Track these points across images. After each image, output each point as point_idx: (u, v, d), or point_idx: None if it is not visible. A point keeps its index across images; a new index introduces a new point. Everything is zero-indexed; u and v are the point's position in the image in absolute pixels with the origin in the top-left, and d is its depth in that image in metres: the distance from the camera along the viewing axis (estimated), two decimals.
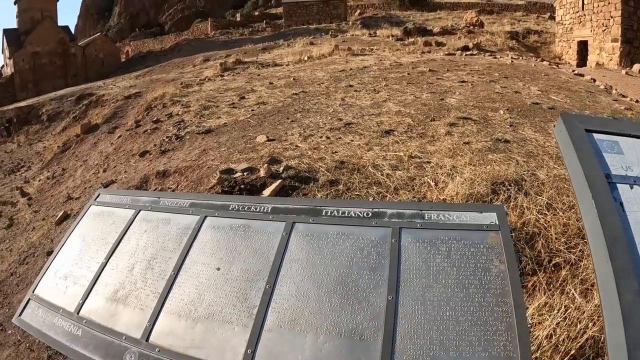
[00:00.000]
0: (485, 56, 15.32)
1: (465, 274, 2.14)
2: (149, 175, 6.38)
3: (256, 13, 62.44)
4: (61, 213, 7.08)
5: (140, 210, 3.34)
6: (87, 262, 3.24)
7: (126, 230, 3.23)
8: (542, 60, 16.80)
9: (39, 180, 11.61)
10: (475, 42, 18.64)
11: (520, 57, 16.50)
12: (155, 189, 5.88)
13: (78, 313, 2.93)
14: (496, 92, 8.17)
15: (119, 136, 10.95)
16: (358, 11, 48.66)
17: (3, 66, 60.22)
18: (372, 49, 18.18)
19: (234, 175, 5.18)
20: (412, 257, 2.28)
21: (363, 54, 16.76)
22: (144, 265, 2.90)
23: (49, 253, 5.78)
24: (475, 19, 27.38)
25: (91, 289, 3.01)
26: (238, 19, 58.44)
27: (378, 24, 35.86)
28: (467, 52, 16.36)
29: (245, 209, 2.94)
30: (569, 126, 2.20)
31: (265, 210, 2.88)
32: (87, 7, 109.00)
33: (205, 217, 2.98)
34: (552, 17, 34.43)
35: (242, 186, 4.86)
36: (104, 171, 8.64)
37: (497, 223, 2.30)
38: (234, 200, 3.07)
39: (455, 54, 15.74)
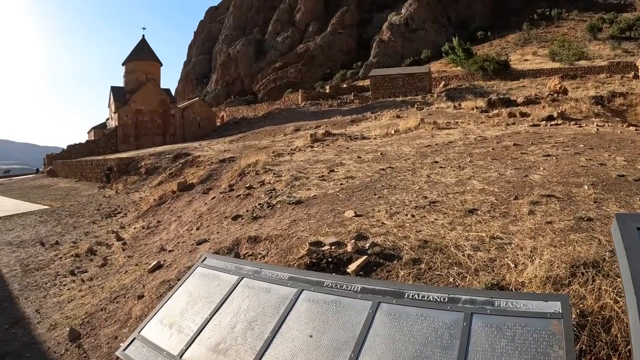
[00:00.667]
0: (570, 125, 15.00)
1: (526, 357, 2.36)
2: (241, 239, 6.80)
3: (344, 85, 64.38)
4: (155, 262, 7.64)
5: (243, 277, 3.82)
6: (192, 315, 3.70)
7: (230, 293, 3.69)
8: (629, 125, 16.12)
9: (134, 228, 12.48)
10: (559, 111, 18.28)
11: (606, 124, 15.93)
12: (247, 253, 6.28)
13: (181, 357, 3.34)
14: (581, 165, 8.04)
15: (213, 197, 11.67)
16: (442, 83, 49.22)
17: (108, 119, 65.39)
18: (456, 122, 18.27)
19: (322, 248, 5.42)
20: (480, 340, 2.55)
21: (448, 128, 16.86)
22: (244, 325, 3.32)
23: (140, 297, 6.29)
24: (559, 85, 26.92)
25: (194, 339, 3.44)
26: (327, 90, 60.42)
27: (462, 95, 36.19)
28: (552, 122, 16.05)
29: (338, 286, 3.32)
30: (622, 226, 2.42)
31: (355, 290, 3.25)
32: (187, 73, 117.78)
33: (302, 290, 3.38)
34: (637, 76, 33.30)
35: (330, 259, 5.09)
36: (197, 229, 9.25)
37: (560, 311, 2.53)
38: (328, 278, 3.46)
39: (539, 125, 15.53)
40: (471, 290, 3.41)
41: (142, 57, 60.03)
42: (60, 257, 10.82)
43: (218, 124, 64.57)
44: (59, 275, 9.38)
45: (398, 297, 3.04)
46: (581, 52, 50.77)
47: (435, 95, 39.36)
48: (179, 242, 8.84)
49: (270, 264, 5.13)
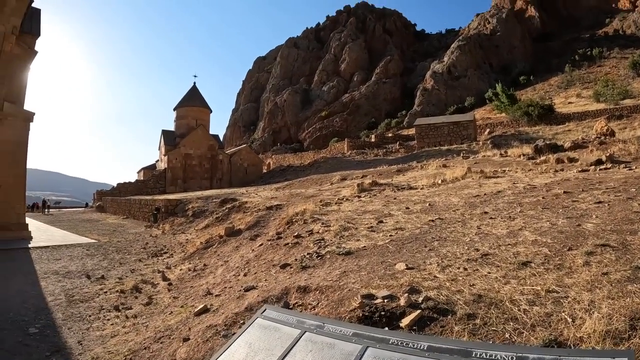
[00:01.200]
0: (620, 169, 14.40)
1: None
2: (290, 288, 6.72)
3: (389, 134, 64.99)
4: (201, 306, 7.60)
5: (305, 331, 3.74)
6: None
7: (292, 347, 3.60)
8: None
9: (180, 269, 12.54)
10: (607, 155, 17.64)
11: None
12: (296, 302, 6.19)
13: None
14: (634, 211, 7.69)
15: (260, 244, 11.67)
16: (487, 130, 49.15)
17: (158, 161, 67.56)
18: (504, 170, 17.90)
19: (375, 301, 5.30)
20: None
21: (495, 176, 16.55)
22: None
23: (185, 339, 6.21)
24: (605, 127, 26.13)
25: None
26: (372, 139, 61.14)
27: (508, 142, 35.97)
28: (601, 167, 15.51)
29: (404, 344, 3.20)
30: None
31: (421, 348, 3.13)
32: (236, 120, 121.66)
33: (367, 347, 3.27)
34: None
35: (382, 313, 4.97)
36: (245, 275, 9.21)
37: None
38: (394, 336, 3.35)
39: (588, 170, 15.02)
40: (537, 349, 3.29)
41: (193, 103, 63.02)
42: (105, 292, 10.94)
43: (264, 170, 65.91)
44: (103, 309, 9.46)
45: (465, 357, 2.93)
46: (625, 91, 50.22)
47: (480, 143, 39.31)
48: (225, 287, 8.80)
49: (332, 319, 5.01)
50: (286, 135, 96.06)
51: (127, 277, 12.54)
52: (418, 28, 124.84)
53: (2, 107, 22.24)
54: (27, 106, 24.14)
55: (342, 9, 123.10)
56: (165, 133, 63.38)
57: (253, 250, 11.45)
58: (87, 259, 15.91)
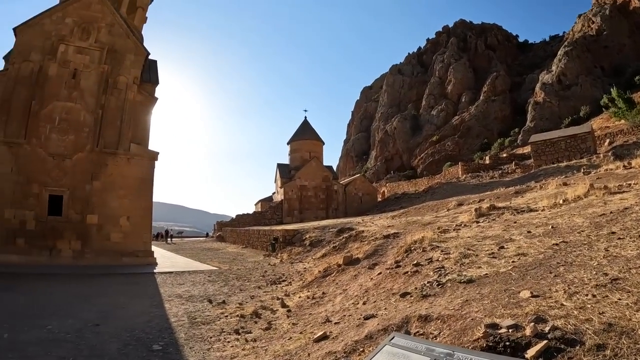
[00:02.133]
0: None
1: None
2: (410, 317, 6.57)
3: (503, 154, 62.45)
4: (320, 333, 7.62)
5: (435, 359, 3.59)
6: None
7: None
8: None
9: (299, 297, 12.74)
10: None
11: None
12: (417, 332, 6.03)
13: None
14: None
15: (379, 273, 11.57)
16: (607, 141, 45.13)
17: (274, 193, 69.96)
18: (629, 184, 16.27)
19: (499, 331, 5.08)
20: None
21: (621, 192, 15.10)
22: None
23: None
24: None
25: None
26: (486, 161, 59.08)
27: (630, 152, 32.98)
28: None
29: None
30: None
31: None
32: (348, 151, 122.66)
33: None
34: None
35: (507, 343, 4.74)
36: (364, 304, 9.14)
37: None
38: None
39: None
40: None
41: (306, 136, 64.99)
42: (226, 316, 11.34)
43: (379, 199, 65.90)
44: (224, 332, 9.79)
45: None
46: None
47: (601, 155, 36.49)
48: (344, 315, 8.78)
49: (461, 347, 4.84)
50: (399, 163, 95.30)
51: (247, 302, 12.95)
52: (520, 39, 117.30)
53: (129, 148, 25.08)
54: (152, 146, 27.12)
55: (440, 29, 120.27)
56: (280, 166, 65.92)
57: (372, 278, 11.37)
58: (209, 285, 16.66)
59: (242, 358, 7.83)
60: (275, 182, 68.27)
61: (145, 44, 29.06)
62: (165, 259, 28.12)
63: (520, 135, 70.80)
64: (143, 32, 32.13)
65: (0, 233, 22.34)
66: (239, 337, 9.29)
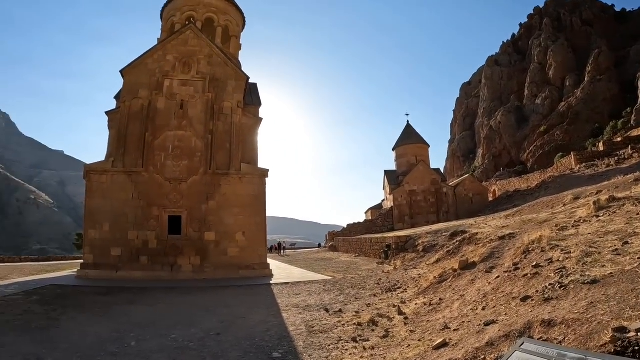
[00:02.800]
0: None
1: None
2: (533, 322, 6.39)
3: (618, 139, 57.91)
4: (440, 340, 7.58)
5: None
6: None
7: None
8: None
9: (415, 304, 12.68)
10: None
11: None
12: (540, 337, 5.86)
13: None
14: None
15: (497, 277, 11.27)
16: None
17: (384, 200, 70.03)
18: None
19: (627, 335, 4.85)
20: None
21: None
22: None
23: None
24: None
25: None
26: (600, 148, 55.33)
27: None
28: None
29: None
30: None
31: None
32: (453, 151, 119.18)
33: None
34: None
35: (637, 347, 4.54)
36: (483, 309, 8.96)
37: None
38: None
39: None
40: None
41: (410, 141, 64.96)
42: (343, 324, 11.54)
43: (490, 199, 64.15)
44: (342, 340, 9.98)
45: None
46: None
47: None
48: (463, 322, 8.66)
49: (595, 352, 4.68)
50: (507, 159, 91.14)
51: (363, 311, 13.10)
52: (617, 8, 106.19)
53: (240, 168, 26.70)
54: (261, 164, 28.83)
55: (532, 12, 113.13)
56: (387, 173, 66.09)
57: (489, 283, 11.10)
58: (324, 294, 17.01)
59: None
60: (384, 189, 68.47)
61: (243, 69, 30.92)
62: (280, 270, 29.05)
63: (633, 116, 65.05)
64: (240, 59, 34.28)
65: (126, 252, 24.87)
66: (357, 345, 9.42)
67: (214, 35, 32.00)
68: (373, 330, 10.54)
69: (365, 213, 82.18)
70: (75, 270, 27.32)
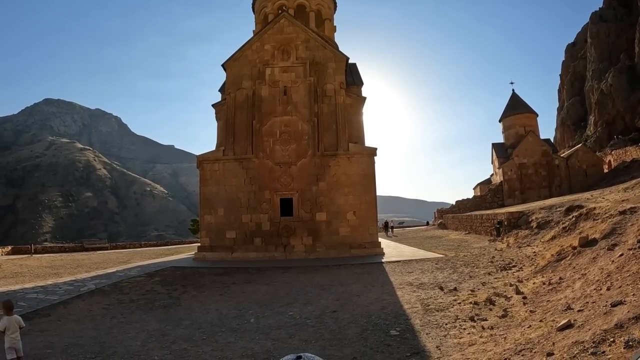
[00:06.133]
0: None
1: None
2: None
3: None
4: (564, 321, 7.23)
5: None
6: None
7: None
8: None
9: (533, 283, 12.22)
10: None
11: None
12: None
13: None
14: None
15: (620, 254, 10.54)
16: None
17: (492, 175, 67.30)
18: None
19: None
20: None
21: None
22: None
23: (549, 354, 5.98)
24: None
25: None
26: None
27: None
28: None
29: None
30: None
31: None
32: (563, 119, 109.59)
33: None
34: None
35: None
36: (608, 289, 8.43)
37: None
38: None
39: None
40: None
41: (517, 110, 61.55)
42: (459, 303, 11.40)
43: (605, 170, 59.25)
44: (459, 319, 9.87)
45: None
46: None
47: None
48: (587, 302, 8.19)
49: None
50: (621, 126, 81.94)
51: (478, 289, 12.83)
52: None
53: (348, 148, 26.97)
54: (368, 143, 29.01)
55: None
56: (495, 146, 63.28)
57: (613, 261, 10.42)
58: (437, 272, 16.84)
59: (480, 345, 7.82)
60: (492, 163, 65.91)
61: (341, 50, 30.99)
62: (390, 248, 29.05)
63: None
64: (336, 40, 34.42)
65: (240, 235, 26.36)
66: (475, 324, 9.28)
67: (307, 20, 32.37)
68: (490, 310, 10.31)
69: (474, 189, 79.89)
70: (192, 253, 29.27)
